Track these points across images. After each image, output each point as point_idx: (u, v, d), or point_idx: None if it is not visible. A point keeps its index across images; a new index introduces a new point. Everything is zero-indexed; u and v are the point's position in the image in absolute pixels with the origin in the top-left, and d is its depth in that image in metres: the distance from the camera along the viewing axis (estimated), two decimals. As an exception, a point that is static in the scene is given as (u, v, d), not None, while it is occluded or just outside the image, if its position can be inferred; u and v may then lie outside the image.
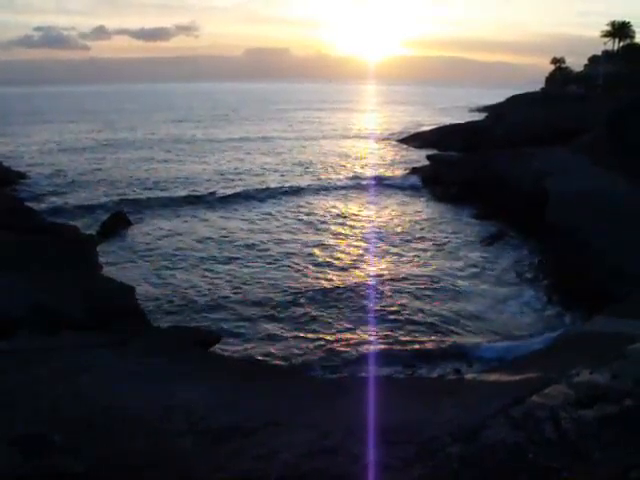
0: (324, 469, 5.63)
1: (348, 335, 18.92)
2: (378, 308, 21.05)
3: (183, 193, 40.75)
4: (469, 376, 13.83)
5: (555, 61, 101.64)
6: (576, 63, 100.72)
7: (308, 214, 34.85)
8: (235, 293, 22.37)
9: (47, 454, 5.84)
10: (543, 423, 5.49)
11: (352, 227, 32.46)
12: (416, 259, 26.66)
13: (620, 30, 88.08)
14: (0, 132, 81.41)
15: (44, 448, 5.83)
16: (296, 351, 17.78)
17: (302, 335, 18.85)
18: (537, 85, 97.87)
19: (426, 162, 50.74)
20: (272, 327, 19.44)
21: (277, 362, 16.91)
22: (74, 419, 7.46)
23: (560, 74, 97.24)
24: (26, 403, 8.02)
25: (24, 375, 9.41)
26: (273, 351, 17.74)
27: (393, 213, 36.09)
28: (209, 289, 22.86)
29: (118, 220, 32.47)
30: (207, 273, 24.67)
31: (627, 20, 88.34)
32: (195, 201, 38.22)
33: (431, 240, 29.87)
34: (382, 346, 18.08)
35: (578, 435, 5.21)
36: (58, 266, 17.76)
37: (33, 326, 13.25)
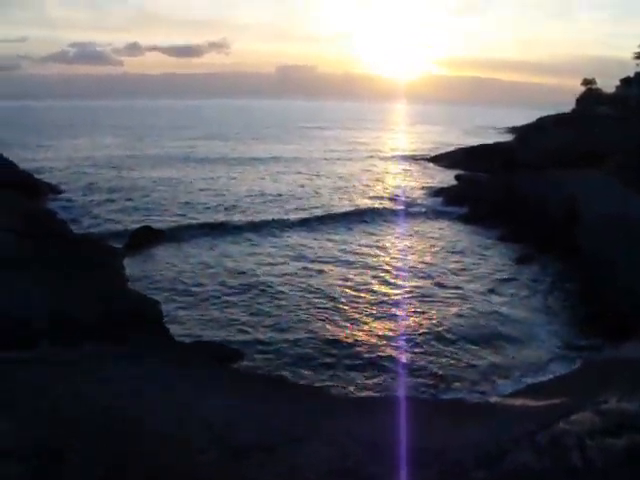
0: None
1: (372, 354, 18.81)
2: (403, 328, 20.92)
3: (212, 213, 40.60)
4: (494, 399, 13.64)
5: (586, 82, 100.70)
6: (607, 85, 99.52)
7: (337, 243, 33.61)
8: (260, 315, 22.28)
9: (58, 471, 5.83)
10: (569, 450, 5.36)
11: (378, 253, 32.27)
12: (442, 282, 26.41)
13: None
14: (34, 145, 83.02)
15: (57, 465, 5.82)
16: (319, 369, 17.69)
17: (326, 353, 18.77)
18: (567, 106, 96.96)
19: (454, 182, 50.53)
20: (296, 346, 19.35)
21: (299, 379, 16.83)
22: (91, 434, 7.46)
23: (591, 95, 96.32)
24: (43, 414, 8.05)
25: (43, 385, 9.46)
26: (296, 368, 17.67)
27: (420, 234, 35.91)
28: (234, 307, 22.87)
29: (145, 234, 32.72)
30: (232, 292, 24.63)
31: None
32: (224, 224, 37.22)
33: (457, 262, 29.60)
34: (407, 366, 17.92)
35: (605, 464, 5.08)
36: (84, 277, 17.97)
37: (55, 336, 13.38)
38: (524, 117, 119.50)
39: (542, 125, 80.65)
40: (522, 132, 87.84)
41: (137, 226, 34.43)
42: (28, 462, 5.86)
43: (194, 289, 24.72)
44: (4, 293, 15.80)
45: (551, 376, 15.78)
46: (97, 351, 12.71)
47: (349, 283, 25.86)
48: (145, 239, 32.22)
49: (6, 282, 16.56)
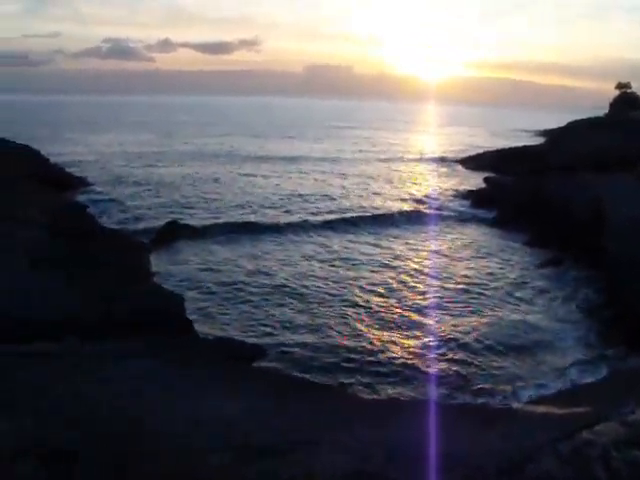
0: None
1: (396, 356, 18.73)
2: (426, 333, 20.82)
3: (239, 211, 40.58)
4: (517, 405, 13.49)
5: (620, 86, 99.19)
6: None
7: (363, 245, 33.37)
8: (283, 316, 22.26)
9: (71, 471, 5.88)
10: (593, 461, 5.27)
11: (404, 257, 32.08)
12: (466, 286, 26.17)
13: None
14: (65, 139, 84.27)
15: (70, 464, 5.86)
16: (342, 369, 17.67)
17: (347, 357, 18.72)
18: (600, 110, 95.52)
19: (482, 185, 50.07)
20: (318, 349, 19.31)
21: (322, 380, 16.81)
22: (107, 432, 7.49)
23: (625, 99, 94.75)
24: (62, 409, 8.12)
25: (66, 379, 9.57)
26: (317, 370, 17.64)
27: (446, 238, 35.65)
28: (257, 307, 22.90)
29: (172, 230, 32.95)
30: (256, 291, 24.66)
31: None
32: (250, 223, 37.01)
33: (483, 267, 29.29)
34: (429, 370, 17.82)
35: (630, 477, 4.99)
36: (110, 271, 18.17)
37: (82, 330, 13.54)
38: (556, 120, 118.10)
39: (574, 129, 79.61)
40: (553, 135, 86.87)
41: (164, 221, 34.69)
42: (29, 462, 5.92)
43: (218, 287, 24.80)
44: (36, 290, 16.06)
45: (576, 384, 15.55)
46: (120, 347, 12.83)
47: (373, 287, 25.66)
48: (172, 235, 32.46)
49: (37, 279, 16.82)
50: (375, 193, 50.54)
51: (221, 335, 19.35)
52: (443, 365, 18.25)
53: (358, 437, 7.98)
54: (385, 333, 20.75)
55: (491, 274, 28.26)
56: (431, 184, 56.45)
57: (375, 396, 15.83)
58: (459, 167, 68.69)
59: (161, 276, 24.38)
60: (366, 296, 24.51)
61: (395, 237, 35.55)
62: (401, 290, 25.48)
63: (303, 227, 36.96)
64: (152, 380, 10.69)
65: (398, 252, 31.93)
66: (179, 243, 31.81)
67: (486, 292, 25.44)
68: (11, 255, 18.02)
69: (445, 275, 27.76)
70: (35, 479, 5.73)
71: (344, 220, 39.28)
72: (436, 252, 32.25)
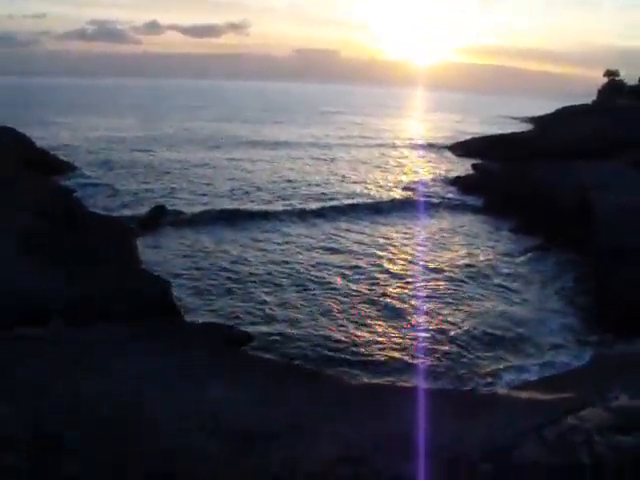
0: (348, 478, 5.56)
1: (381, 344, 18.80)
2: (411, 320, 20.92)
3: (227, 198, 40.26)
4: (502, 391, 13.58)
5: (609, 73, 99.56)
6: (630, 75, 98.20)
7: (349, 233, 33.17)
8: (273, 296, 22.36)
9: (57, 456, 5.83)
10: (577, 446, 5.30)
11: (390, 245, 32.18)
12: (452, 274, 26.19)
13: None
14: (50, 122, 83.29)
15: (55, 449, 5.80)
16: (326, 357, 17.70)
17: (332, 343, 18.75)
18: (588, 98, 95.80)
19: (470, 171, 50.13)
20: (309, 331, 19.38)
21: (310, 365, 16.85)
22: (97, 416, 7.46)
23: (613, 87, 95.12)
24: (48, 394, 8.07)
25: (53, 364, 9.52)
26: (307, 354, 17.70)
27: (433, 225, 35.71)
28: (245, 290, 22.92)
29: (159, 215, 32.81)
30: (244, 275, 24.67)
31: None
32: (238, 210, 36.42)
33: (468, 255, 29.33)
34: (414, 357, 17.90)
35: (614, 462, 5.02)
36: (96, 257, 18.07)
37: (67, 315, 13.46)
38: (545, 107, 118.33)
39: (562, 116, 79.83)
40: (542, 122, 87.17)
41: (152, 206, 34.49)
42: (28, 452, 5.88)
43: (204, 273, 24.72)
44: (22, 274, 15.94)
45: (561, 370, 15.67)
46: (107, 333, 12.78)
47: (360, 275, 25.66)
48: (158, 220, 32.32)
49: (21, 263, 16.69)
50: (364, 180, 50.35)
51: (208, 319, 19.36)
52: (428, 352, 18.32)
53: (345, 423, 8.00)
54: (370, 321, 20.77)
55: (477, 261, 28.32)
56: (420, 170, 56.41)
57: (358, 383, 15.88)
58: (447, 153, 68.65)
59: (147, 261, 24.27)
60: (352, 284, 24.50)
61: (383, 224, 35.49)
62: (387, 278, 25.48)
63: (291, 214, 36.72)
64: (146, 365, 10.64)
65: (385, 239, 31.90)
66: (166, 228, 31.65)
67: (470, 280, 25.50)
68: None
69: (431, 263, 27.79)
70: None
71: (333, 208, 39.05)
72: (423, 239, 32.28)
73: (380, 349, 18.43)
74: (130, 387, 9.06)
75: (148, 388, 9.18)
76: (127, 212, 33.90)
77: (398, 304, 22.49)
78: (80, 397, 8.05)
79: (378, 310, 21.83)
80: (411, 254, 29.22)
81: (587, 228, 25.79)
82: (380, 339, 19.16)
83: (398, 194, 44.53)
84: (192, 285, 23.14)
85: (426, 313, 21.63)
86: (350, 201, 41.10)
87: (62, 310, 13.98)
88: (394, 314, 21.50)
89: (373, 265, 27.06)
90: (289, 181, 47.76)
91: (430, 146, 75.49)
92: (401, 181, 50.18)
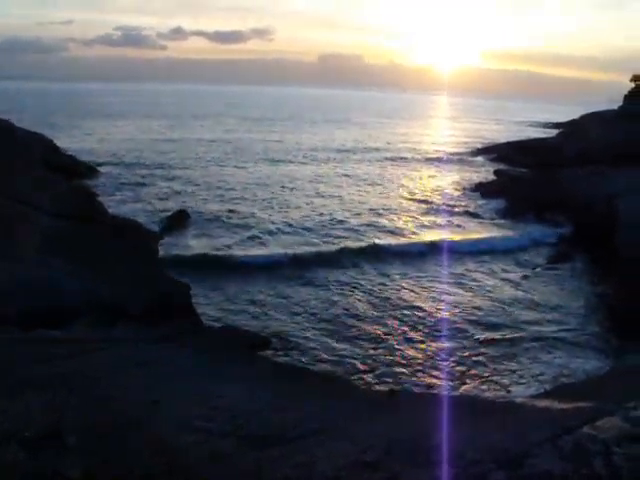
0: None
1: (398, 349, 18.70)
2: (430, 326, 20.79)
3: (248, 204, 39.89)
4: (518, 399, 13.38)
5: (635, 78, 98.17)
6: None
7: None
8: (290, 302, 22.39)
9: (56, 456, 5.83)
10: (594, 457, 5.18)
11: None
12: (473, 283, 25.95)
13: None
14: (75, 126, 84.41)
15: (55, 450, 5.79)
16: (346, 361, 17.65)
17: (353, 346, 18.72)
18: (614, 103, 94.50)
19: (493, 177, 49.79)
20: (324, 336, 19.38)
21: (325, 370, 16.80)
22: (113, 416, 7.47)
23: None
24: (69, 394, 8.12)
25: (73, 365, 9.58)
26: (323, 359, 17.67)
27: (455, 232, 35.45)
28: (263, 295, 23.00)
29: (181, 219, 33.03)
30: (264, 281, 24.72)
31: None
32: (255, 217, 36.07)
33: (490, 263, 29.04)
34: (431, 363, 17.77)
35: (631, 473, 4.89)
36: (118, 259, 18.19)
37: (89, 317, 13.57)
38: (570, 113, 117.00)
39: (588, 122, 78.82)
40: (567, 128, 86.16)
41: (174, 210, 34.73)
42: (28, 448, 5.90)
43: (225, 276, 24.85)
44: (45, 275, 16.09)
45: (579, 379, 15.44)
46: (127, 334, 12.86)
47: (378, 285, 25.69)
48: (181, 223, 32.53)
49: (44, 265, 16.85)
50: (384, 188, 49.14)
51: (226, 323, 19.43)
52: (444, 359, 18.19)
53: (358, 428, 7.93)
54: (388, 326, 20.70)
55: (498, 269, 28.06)
56: (440, 176, 56.02)
57: (374, 388, 15.78)
58: (470, 159, 68.27)
59: (168, 264, 24.40)
60: (369, 285, 24.53)
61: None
62: (408, 284, 25.43)
63: (308, 225, 35.58)
64: (165, 367, 10.68)
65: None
66: (188, 231, 31.85)
67: (491, 287, 25.27)
68: (18, 241, 18.05)
69: (450, 271, 27.60)
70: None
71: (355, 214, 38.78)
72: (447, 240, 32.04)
73: (397, 355, 18.34)
74: (146, 387, 9.09)
75: (164, 388, 9.21)
76: (150, 215, 34.21)
77: (416, 312, 22.33)
78: (98, 397, 8.09)
79: (395, 316, 21.78)
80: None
81: (614, 236, 25.46)
82: (397, 346, 19.08)
83: (417, 200, 44.13)
84: (212, 288, 23.25)
85: (445, 318, 21.49)
86: (366, 210, 40.94)
87: (85, 311, 14.12)
88: (412, 320, 21.40)
89: (384, 273, 26.97)
90: (309, 191, 47.78)
91: (455, 152, 74.71)
92: (420, 188, 49.83)
